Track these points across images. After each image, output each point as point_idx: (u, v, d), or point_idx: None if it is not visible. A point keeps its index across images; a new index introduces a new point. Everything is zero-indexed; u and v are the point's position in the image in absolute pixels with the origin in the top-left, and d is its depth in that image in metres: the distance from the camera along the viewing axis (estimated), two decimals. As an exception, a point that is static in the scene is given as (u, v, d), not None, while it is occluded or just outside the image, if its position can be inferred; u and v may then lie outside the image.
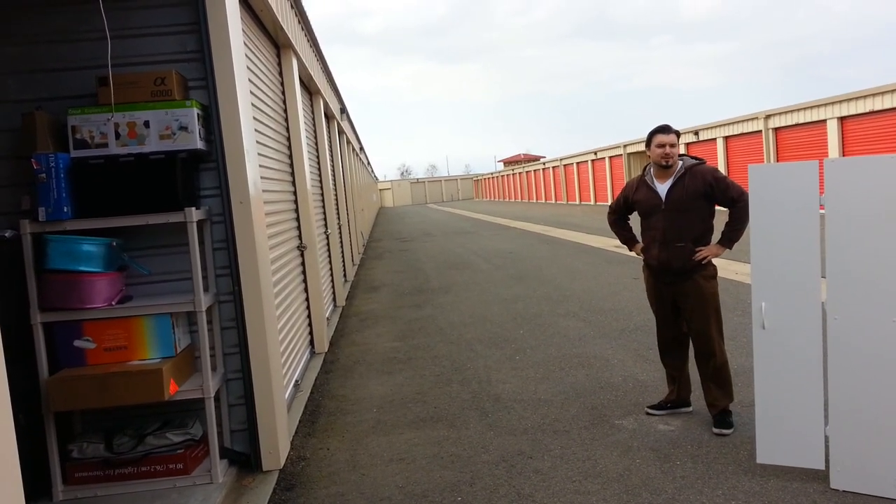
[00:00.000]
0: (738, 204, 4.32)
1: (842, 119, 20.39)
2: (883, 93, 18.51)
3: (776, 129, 23.69)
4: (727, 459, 3.98)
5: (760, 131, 24.24)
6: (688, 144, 29.78)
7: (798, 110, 22.29)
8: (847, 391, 3.48)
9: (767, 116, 23.82)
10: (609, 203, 4.74)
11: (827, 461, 3.61)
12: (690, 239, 4.40)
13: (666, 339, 4.76)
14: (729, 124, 26.35)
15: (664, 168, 4.46)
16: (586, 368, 6.06)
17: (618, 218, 4.97)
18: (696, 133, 28.68)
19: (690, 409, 4.78)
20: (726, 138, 26.74)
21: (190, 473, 3.93)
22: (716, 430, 4.37)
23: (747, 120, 25.00)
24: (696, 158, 4.55)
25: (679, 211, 4.40)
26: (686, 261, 4.40)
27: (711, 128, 27.60)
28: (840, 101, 20.27)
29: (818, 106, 21.22)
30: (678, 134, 4.49)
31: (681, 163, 4.48)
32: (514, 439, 4.54)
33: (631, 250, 4.95)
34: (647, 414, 4.80)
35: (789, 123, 22.85)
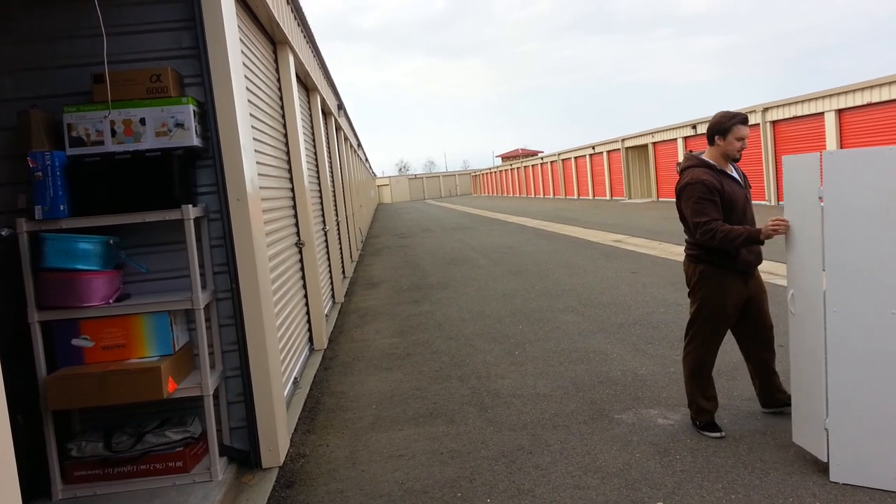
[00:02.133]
0: None
1: (839, 111, 20.37)
2: (881, 85, 18.48)
3: (774, 122, 23.67)
4: (726, 453, 3.98)
5: (758, 124, 24.21)
6: (686, 138, 29.77)
7: (796, 103, 22.27)
8: (846, 384, 3.48)
9: (765, 109, 23.80)
10: (711, 215, 4.06)
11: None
12: None
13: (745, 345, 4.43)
14: (727, 118, 26.27)
15: (732, 161, 4.21)
16: (585, 363, 6.06)
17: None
18: (695, 127, 28.65)
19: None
20: (724, 132, 26.66)
21: (189, 471, 3.92)
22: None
23: (744, 113, 24.93)
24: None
25: (750, 201, 4.22)
26: (762, 254, 4.24)
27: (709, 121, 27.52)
28: (838, 94, 20.25)
29: (816, 98, 21.19)
30: None
31: None
32: (514, 434, 4.54)
33: (762, 237, 3.91)
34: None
35: (787, 116, 22.83)
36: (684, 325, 7.04)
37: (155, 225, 4.04)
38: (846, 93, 19.90)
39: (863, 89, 19.19)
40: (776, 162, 23.58)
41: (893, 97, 18.08)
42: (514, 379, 5.77)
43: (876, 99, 18.74)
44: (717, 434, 4.24)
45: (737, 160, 4.19)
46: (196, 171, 4.19)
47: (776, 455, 3.89)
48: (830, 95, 20.55)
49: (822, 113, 20.99)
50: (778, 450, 3.96)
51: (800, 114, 22.14)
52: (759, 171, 24.44)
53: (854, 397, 3.47)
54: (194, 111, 3.91)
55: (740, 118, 4.12)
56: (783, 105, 22.92)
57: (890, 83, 18.18)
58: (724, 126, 4.13)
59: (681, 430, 4.37)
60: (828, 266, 3.49)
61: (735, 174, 4.23)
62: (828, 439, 3.59)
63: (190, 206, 3.84)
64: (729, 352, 5.99)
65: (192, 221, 3.84)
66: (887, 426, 3.39)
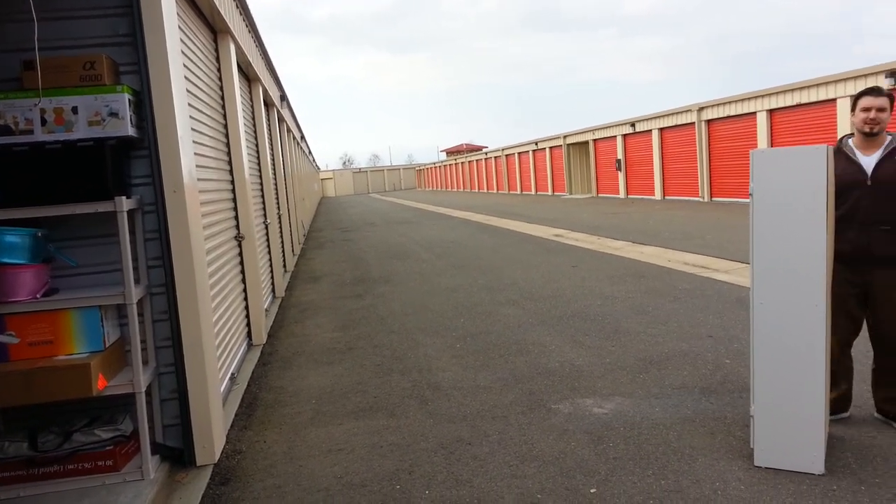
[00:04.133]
0: None
1: (771, 111, 21.19)
2: (809, 86, 19.32)
3: (709, 121, 24.45)
4: (658, 441, 4.12)
5: (693, 123, 24.97)
6: (625, 136, 30.45)
7: (729, 103, 23.06)
8: (770, 372, 3.65)
9: (700, 109, 24.56)
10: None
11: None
12: None
13: (845, 338, 4.12)
14: (664, 116, 27.06)
15: (869, 137, 3.92)
16: (525, 355, 6.16)
17: None
18: (633, 125, 29.34)
19: (848, 414, 4.27)
20: (661, 130, 27.45)
21: (120, 470, 3.83)
22: None
23: (681, 112, 25.72)
24: None
25: (889, 189, 3.86)
26: (891, 247, 3.89)
27: (647, 119, 28.29)
28: (769, 95, 21.06)
29: (748, 99, 21.99)
30: (892, 98, 3.96)
31: (890, 137, 3.94)
32: (454, 426, 4.59)
33: None
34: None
35: (721, 115, 23.62)
36: (619, 317, 7.30)
37: (86, 217, 3.90)
38: (777, 93, 20.72)
39: (793, 90, 20.02)
40: (710, 160, 24.37)
41: (821, 98, 18.92)
42: (455, 371, 5.83)
43: (805, 100, 19.57)
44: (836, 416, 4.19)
45: (869, 135, 3.92)
46: (130, 161, 4.08)
47: (704, 441, 4.06)
48: (762, 96, 21.37)
49: (755, 113, 21.81)
50: (706, 436, 4.12)
51: (733, 113, 22.94)
52: (693, 168, 25.22)
53: (777, 385, 3.64)
54: (129, 100, 3.81)
55: (865, 90, 3.96)
56: (718, 104, 23.71)
57: (818, 85, 19.02)
58: (853, 103, 4.00)
59: (615, 419, 4.50)
60: (755, 260, 3.65)
61: (867, 158, 3.95)
62: (753, 425, 3.75)
63: (123, 197, 3.74)
64: (662, 342, 6.20)
65: (125, 213, 3.74)
66: (806, 412, 3.57)
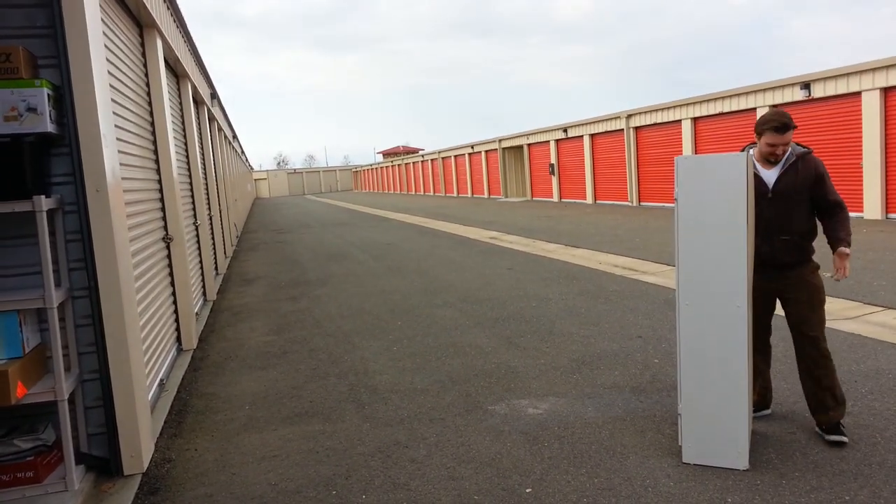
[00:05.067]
0: (838, 207, 4.04)
1: (695, 119, 22.00)
2: (731, 96, 20.15)
3: (637, 128, 25.19)
4: (590, 439, 4.21)
5: (622, 130, 25.68)
6: (557, 141, 31.02)
7: (656, 111, 23.82)
8: (695, 371, 3.78)
9: (629, 116, 25.27)
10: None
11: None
12: (798, 233, 4.04)
13: (760, 339, 4.29)
14: (594, 122, 27.71)
15: (770, 160, 4.09)
16: (461, 357, 6.19)
17: None
18: (565, 130, 29.93)
19: (769, 411, 4.46)
20: (592, 136, 28.10)
21: (42, 482, 3.65)
22: (833, 438, 3.97)
23: (610, 119, 26.41)
24: (802, 146, 4.12)
25: (789, 201, 4.02)
26: (791, 255, 4.06)
27: (579, 125, 28.90)
28: (693, 103, 21.87)
29: (674, 107, 22.78)
30: (794, 127, 4.03)
31: (789, 149, 4.08)
32: (391, 430, 4.57)
33: None
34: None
35: (648, 123, 24.37)
36: (553, 318, 7.43)
37: (2, 217, 3.71)
38: (701, 102, 21.53)
39: (715, 100, 20.84)
40: (638, 165, 25.10)
41: (742, 108, 19.76)
42: (391, 374, 5.80)
43: (727, 109, 20.40)
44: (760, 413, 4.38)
45: (773, 163, 4.08)
46: (50, 159, 3.90)
47: (634, 439, 4.16)
48: (687, 104, 22.16)
49: (680, 120, 22.60)
50: (636, 434, 4.23)
51: (660, 121, 23.70)
52: (622, 173, 25.92)
53: (703, 384, 3.77)
54: (49, 95, 3.64)
55: (772, 125, 4.00)
56: (645, 112, 24.45)
57: (738, 95, 19.86)
58: (758, 130, 4.11)
59: (549, 419, 4.57)
60: (680, 262, 3.77)
61: (769, 172, 4.10)
62: (680, 423, 3.87)
63: (42, 196, 3.57)
64: (594, 343, 6.33)
65: (44, 213, 3.57)
66: (731, 410, 3.71)
